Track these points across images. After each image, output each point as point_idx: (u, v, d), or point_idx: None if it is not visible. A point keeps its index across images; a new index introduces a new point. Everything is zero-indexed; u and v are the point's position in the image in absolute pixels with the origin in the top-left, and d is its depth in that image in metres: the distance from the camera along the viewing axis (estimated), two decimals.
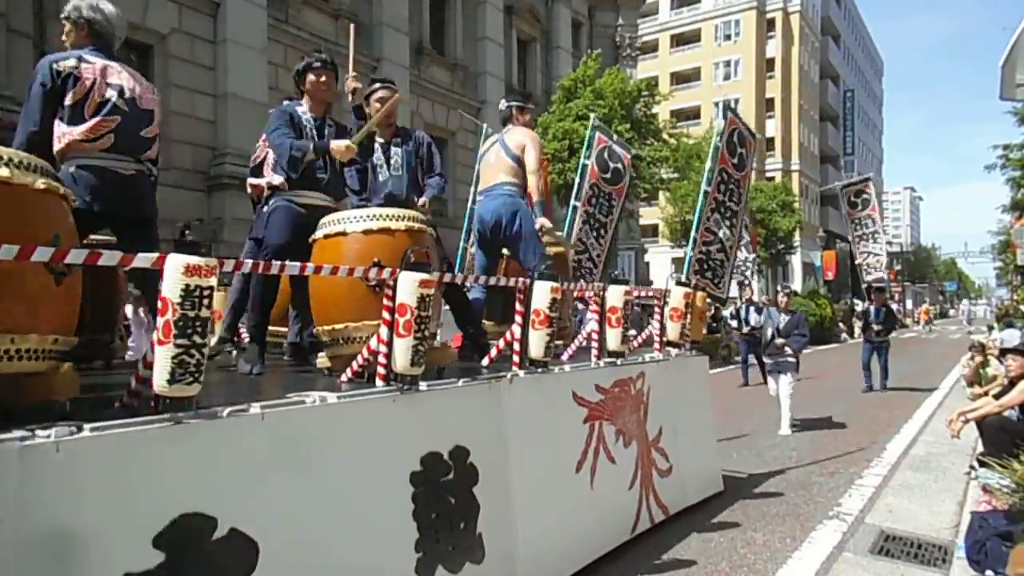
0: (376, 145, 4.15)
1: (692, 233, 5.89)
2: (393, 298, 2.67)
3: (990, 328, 21.41)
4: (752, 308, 12.02)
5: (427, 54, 18.89)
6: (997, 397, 5.45)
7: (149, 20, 12.32)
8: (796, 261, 43.20)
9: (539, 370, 3.55)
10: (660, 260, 34.59)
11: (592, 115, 7.20)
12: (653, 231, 39.16)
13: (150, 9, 12.35)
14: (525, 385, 3.45)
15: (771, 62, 48.55)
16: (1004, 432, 5.04)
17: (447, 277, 3.27)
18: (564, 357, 4.39)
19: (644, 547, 4.15)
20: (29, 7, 10.79)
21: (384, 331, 2.70)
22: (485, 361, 3.83)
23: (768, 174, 45.26)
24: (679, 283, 5.13)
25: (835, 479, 5.86)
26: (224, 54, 13.45)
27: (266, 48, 14.21)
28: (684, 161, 22.12)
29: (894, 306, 41.86)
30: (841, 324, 27.16)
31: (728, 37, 48.72)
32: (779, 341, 8.13)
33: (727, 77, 48.16)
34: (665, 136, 21.10)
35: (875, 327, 11.63)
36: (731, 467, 6.31)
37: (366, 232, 3.13)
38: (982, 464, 5.04)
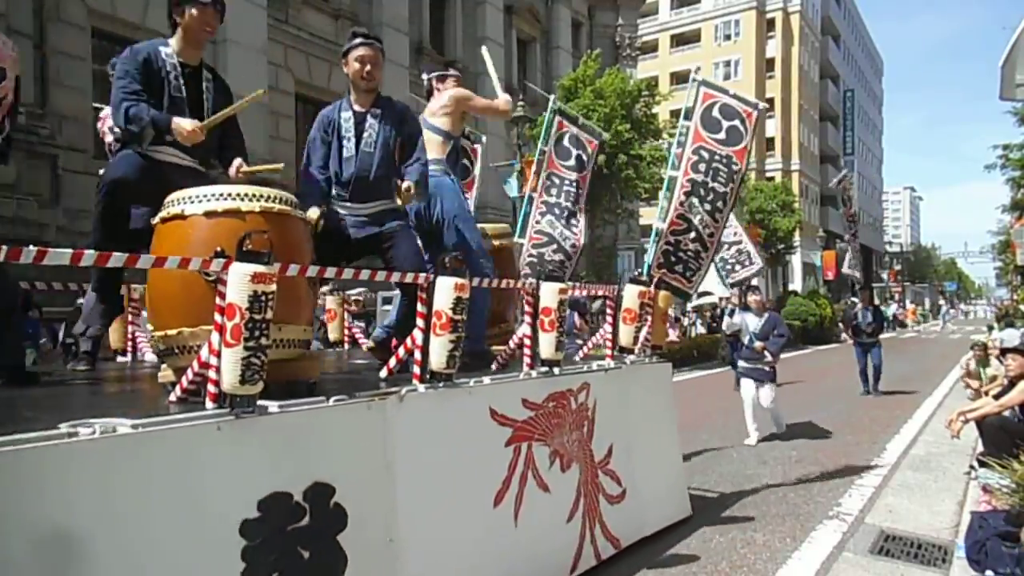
0: (348, 114, 3.51)
1: (655, 224, 5.25)
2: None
3: (990, 328, 21.42)
4: (728, 310, 11.74)
5: (427, 54, 18.88)
6: (997, 397, 5.46)
7: (149, 20, 12.30)
8: (796, 261, 43.20)
9: (441, 384, 2.95)
10: None
11: (551, 97, 6.46)
12: None
13: (150, 9, 12.34)
14: (423, 403, 2.86)
15: (771, 62, 48.53)
16: (1004, 432, 5.04)
17: (307, 270, 2.64)
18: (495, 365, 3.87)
19: (643, 547, 4.15)
20: (29, 7, 10.78)
21: (215, 338, 2.18)
22: (383, 372, 3.21)
23: (768, 174, 45.24)
24: (633, 280, 4.47)
25: (835, 479, 5.86)
26: (224, 54, 13.45)
27: (266, 48, 14.22)
28: None
29: (893, 307, 41.63)
30: (841, 324, 27.17)
31: (728, 37, 48.70)
32: (757, 344, 7.58)
33: (727, 77, 48.02)
34: (665, 136, 21.10)
35: (867, 329, 11.09)
36: (731, 467, 6.32)
37: (208, 214, 2.53)
38: (982, 464, 5.04)
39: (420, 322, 2.92)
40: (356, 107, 3.53)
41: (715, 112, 5.24)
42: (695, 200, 5.11)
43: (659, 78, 43.31)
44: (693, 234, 5.13)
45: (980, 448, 5.62)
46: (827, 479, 5.86)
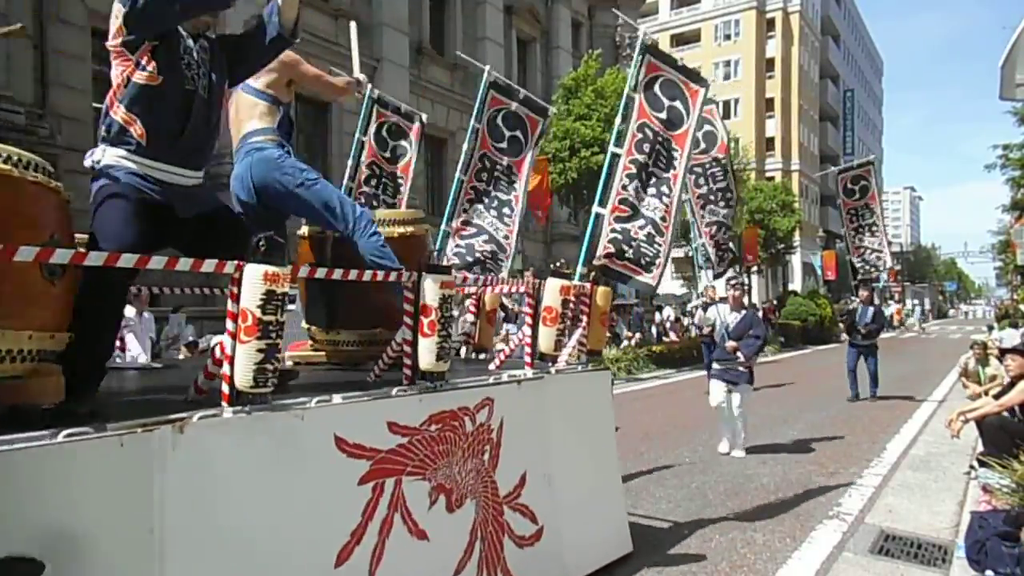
0: (182, 41, 2.45)
1: (595, 208, 4.42)
2: None
3: (990, 328, 21.46)
4: (700, 306, 10.08)
5: (427, 54, 18.90)
6: (997, 397, 5.46)
7: None
8: (796, 261, 43.20)
9: (248, 408, 2.19)
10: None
11: (485, 68, 5.56)
12: None
13: None
14: (221, 435, 2.11)
15: (771, 62, 48.57)
16: (1004, 432, 5.05)
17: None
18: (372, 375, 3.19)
19: (641, 548, 4.15)
20: (29, 7, 10.79)
21: None
22: (191, 391, 2.53)
23: (768, 174, 45.26)
24: (555, 273, 3.73)
25: (835, 479, 5.86)
26: None
27: None
28: None
29: (893, 307, 41.22)
30: (840, 324, 27.20)
31: (728, 37, 48.73)
32: (729, 344, 6.73)
33: (727, 77, 48.10)
34: None
35: (862, 330, 10.52)
36: (731, 467, 6.31)
37: None
38: (982, 464, 5.05)
39: (230, 324, 2.21)
40: (184, 29, 2.48)
41: (657, 88, 4.60)
42: (639, 184, 4.45)
43: None
44: (641, 221, 4.42)
45: (980, 448, 5.63)
46: (827, 479, 5.86)
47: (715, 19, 49.16)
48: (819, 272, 39.23)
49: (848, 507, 5.04)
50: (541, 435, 3.52)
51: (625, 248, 4.36)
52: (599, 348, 4.13)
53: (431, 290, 2.81)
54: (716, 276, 7.11)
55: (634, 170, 4.43)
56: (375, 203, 5.41)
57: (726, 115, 46.88)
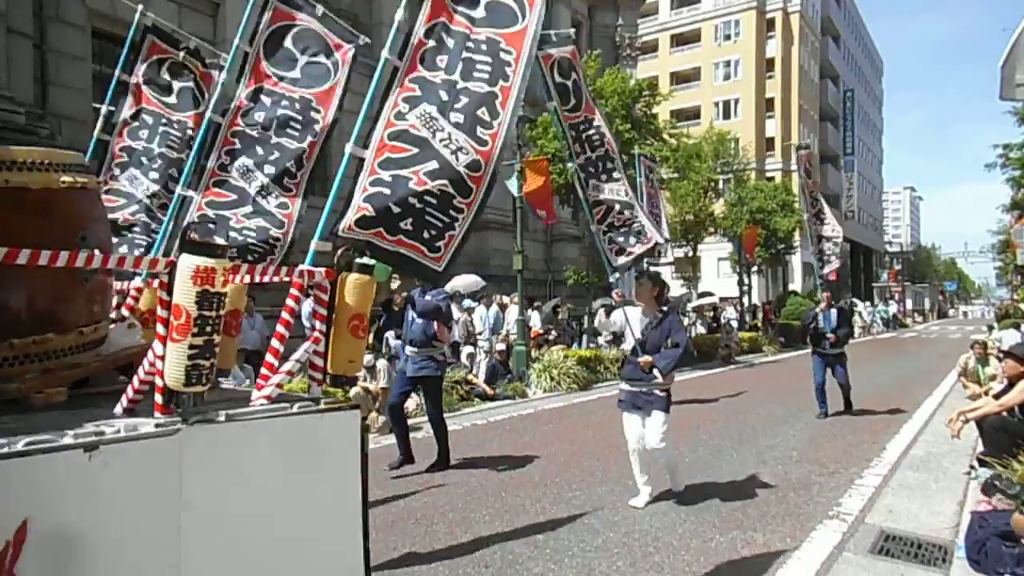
0: None
1: (349, 147, 2.73)
2: None
3: (990, 328, 21.49)
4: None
5: None
6: (997, 397, 5.47)
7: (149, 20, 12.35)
8: (796, 261, 43.20)
9: None
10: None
11: None
12: None
13: (150, 9, 12.35)
14: None
15: (771, 62, 48.58)
16: (1004, 432, 5.06)
17: None
18: None
19: (640, 548, 4.15)
20: (29, 7, 10.78)
21: None
22: None
23: (768, 174, 45.25)
24: (192, 245, 1.71)
25: (835, 479, 5.86)
26: (224, 52, 13.50)
27: None
28: (684, 161, 22.22)
29: (894, 307, 41.11)
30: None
31: (728, 37, 48.74)
32: (643, 360, 4.99)
33: (727, 77, 48.14)
34: (665, 136, 21.13)
35: (829, 336, 9.07)
36: (731, 467, 6.31)
37: None
38: (982, 464, 5.05)
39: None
40: None
41: None
42: (428, 110, 2.84)
43: (659, 78, 43.33)
44: (429, 166, 2.77)
45: (980, 448, 5.63)
46: (827, 479, 5.86)
47: (715, 19, 49.18)
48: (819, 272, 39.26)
49: (848, 507, 5.04)
50: (156, 545, 1.62)
51: (399, 212, 2.72)
52: (350, 373, 2.38)
53: None
54: (614, 272, 5.38)
55: (417, 91, 2.88)
56: (146, 161, 3.95)
57: (726, 115, 46.96)
